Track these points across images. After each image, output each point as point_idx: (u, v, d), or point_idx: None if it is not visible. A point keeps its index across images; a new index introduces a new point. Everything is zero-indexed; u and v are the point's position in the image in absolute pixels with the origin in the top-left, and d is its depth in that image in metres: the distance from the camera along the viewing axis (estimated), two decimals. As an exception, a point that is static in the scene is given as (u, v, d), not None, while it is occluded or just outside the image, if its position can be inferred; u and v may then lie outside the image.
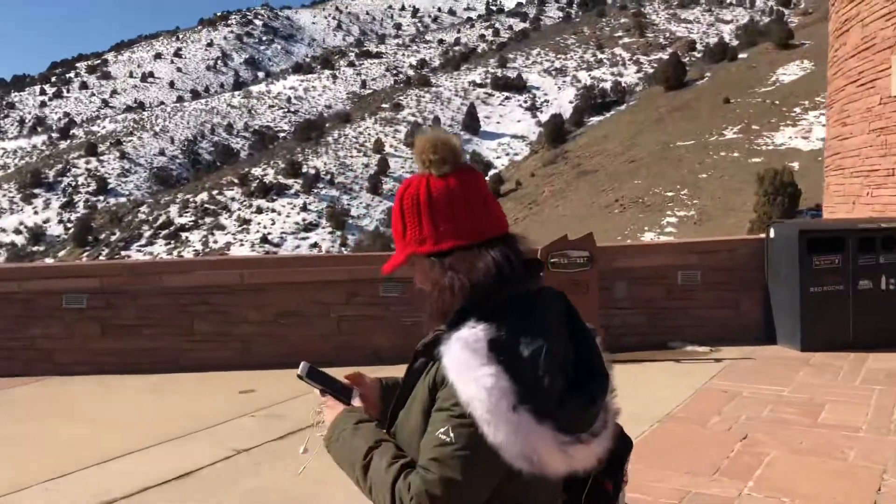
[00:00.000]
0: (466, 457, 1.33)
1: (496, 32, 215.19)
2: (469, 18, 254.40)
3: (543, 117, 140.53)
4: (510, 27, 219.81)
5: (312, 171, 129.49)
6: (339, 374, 1.90)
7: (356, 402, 1.65)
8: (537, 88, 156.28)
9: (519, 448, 1.31)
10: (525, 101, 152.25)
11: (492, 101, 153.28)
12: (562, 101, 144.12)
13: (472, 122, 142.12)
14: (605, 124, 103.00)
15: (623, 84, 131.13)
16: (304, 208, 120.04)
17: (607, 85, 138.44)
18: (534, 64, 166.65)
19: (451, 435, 1.33)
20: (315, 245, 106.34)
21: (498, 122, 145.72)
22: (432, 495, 1.32)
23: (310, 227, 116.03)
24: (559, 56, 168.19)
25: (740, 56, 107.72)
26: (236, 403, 6.52)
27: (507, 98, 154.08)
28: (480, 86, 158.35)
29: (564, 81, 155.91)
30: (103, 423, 6.09)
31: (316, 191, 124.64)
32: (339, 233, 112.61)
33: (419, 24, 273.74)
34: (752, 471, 4.55)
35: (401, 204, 1.50)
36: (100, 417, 6.27)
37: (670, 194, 72.93)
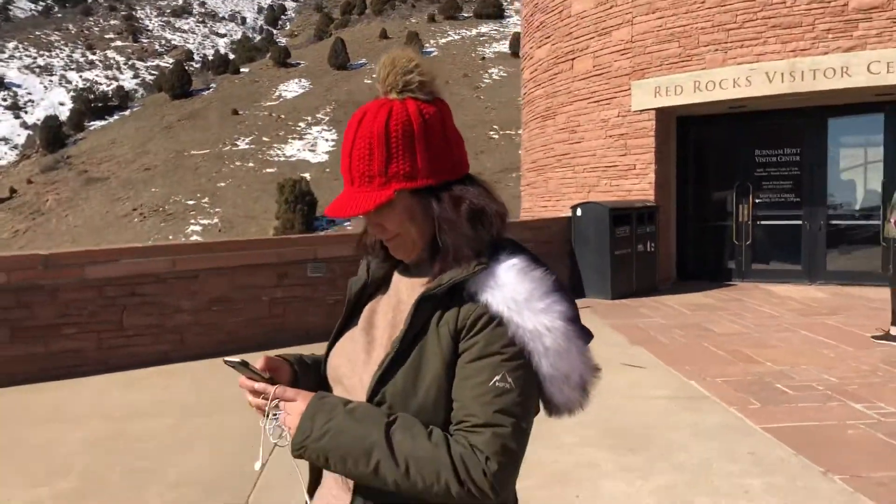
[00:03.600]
0: (526, 400, 1.22)
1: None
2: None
3: (30, 118, 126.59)
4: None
5: None
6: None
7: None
8: (19, 86, 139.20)
9: (579, 376, 1.24)
10: (5, 100, 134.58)
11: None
12: (51, 101, 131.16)
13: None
14: (110, 129, 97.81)
15: (124, 89, 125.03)
16: None
17: (103, 88, 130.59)
18: (11, 59, 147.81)
19: (509, 380, 1.20)
20: None
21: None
22: (510, 450, 1.19)
23: None
24: (42, 53, 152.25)
25: (242, 70, 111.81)
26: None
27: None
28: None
29: (52, 81, 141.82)
30: (174, 415, 5.53)
31: None
32: None
33: None
34: (756, 360, 6.70)
35: (386, 131, 1.25)
36: (154, 411, 5.63)
37: (191, 202, 73.06)
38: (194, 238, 64.62)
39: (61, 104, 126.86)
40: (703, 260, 12.17)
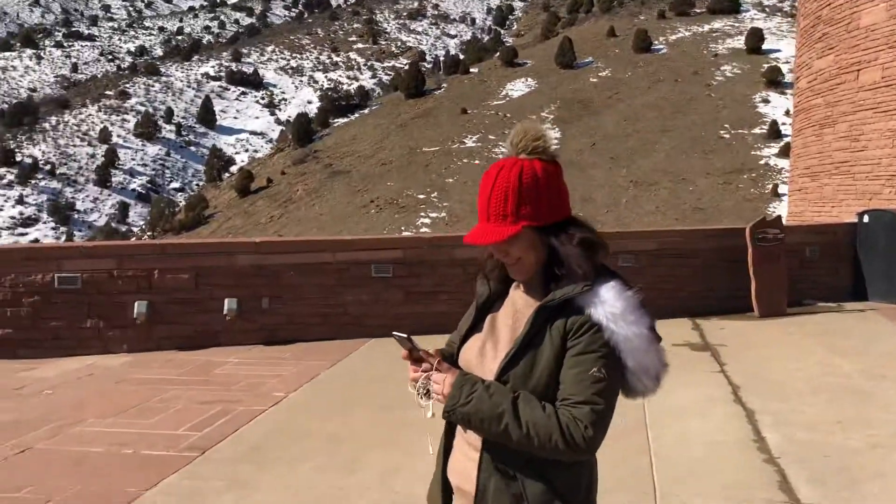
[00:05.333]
0: (614, 387, 1.61)
1: (222, 25, 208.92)
2: (192, 8, 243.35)
3: (282, 115, 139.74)
4: (236, 21, 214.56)
5: (29, 160, 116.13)
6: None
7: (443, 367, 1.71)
8: (274, 86, 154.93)
9: (655, 370, 1.63)
10: (262, 98, 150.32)
11: (227, 95, 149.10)
12: (301, 100, 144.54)
13: (207, 116, 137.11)
14: (351, 126, 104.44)
15: (364, 88, 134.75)
16: (21, 201, 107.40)
17: (344, 87, 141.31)
18: (269, 61, 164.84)
19: (603, 371, 1.57)
20: (37, 241, 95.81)
21: (235, 118, 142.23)
22: (601, 421, 1.58)
23: (29, 221, 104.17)
24: (294, 55, 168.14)
25: (472, 70, 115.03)
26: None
27: (243, 93, 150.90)
28: (215, 79, 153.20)
29: (301, 81, 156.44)
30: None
31: (34, 182, 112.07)
32: (63, 228, 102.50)
33: (131, 9, 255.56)
34: None
35: (519, 182, 1.62)
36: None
37: (422, 197, 76.89)
38: (424, 230, 68.42)
39: (309, 102, 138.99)
40: None
